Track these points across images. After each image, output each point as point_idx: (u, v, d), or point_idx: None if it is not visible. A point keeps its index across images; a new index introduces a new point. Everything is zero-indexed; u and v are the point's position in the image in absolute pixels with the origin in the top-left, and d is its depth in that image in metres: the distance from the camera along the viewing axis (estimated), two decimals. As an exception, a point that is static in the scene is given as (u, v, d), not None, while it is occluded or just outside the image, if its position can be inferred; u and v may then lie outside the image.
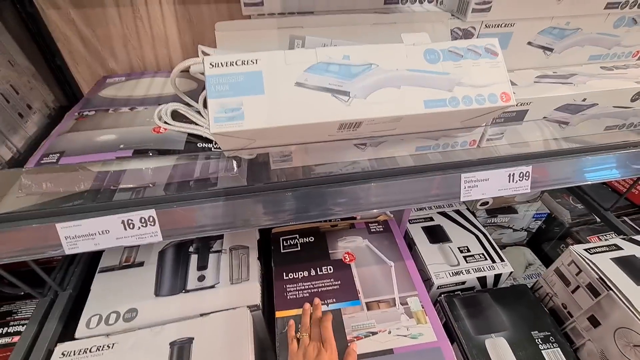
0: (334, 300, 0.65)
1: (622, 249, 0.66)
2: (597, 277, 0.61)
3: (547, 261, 0.97)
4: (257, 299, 0.62)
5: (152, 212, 0.50)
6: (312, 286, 0.67)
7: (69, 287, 0.64)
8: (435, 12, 0.60)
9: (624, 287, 0.58)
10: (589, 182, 0.62)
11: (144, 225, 0.50)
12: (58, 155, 0.50)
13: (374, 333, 0.59)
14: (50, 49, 0.68)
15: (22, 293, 0.66)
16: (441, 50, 0.44)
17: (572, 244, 0.94)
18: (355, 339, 0.58)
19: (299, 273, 0.68)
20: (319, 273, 0.69)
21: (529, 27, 0.61)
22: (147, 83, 0.69)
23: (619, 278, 0.60)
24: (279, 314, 0.62)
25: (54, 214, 0.49)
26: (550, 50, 0.65)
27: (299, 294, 0.65)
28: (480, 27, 0.59)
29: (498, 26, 0.59)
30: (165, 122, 0.55)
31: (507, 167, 0.59)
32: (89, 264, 0.70)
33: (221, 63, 0.40)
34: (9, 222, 0.48)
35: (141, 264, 0.68)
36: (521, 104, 0.58)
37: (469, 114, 0.45)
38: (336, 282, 0.67)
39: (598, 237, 0.91)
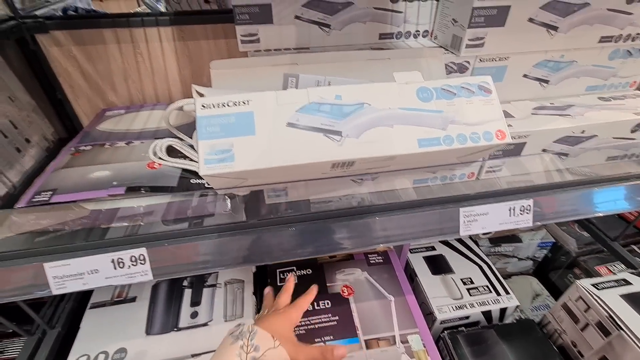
0: (332, 337, 0.62)
1: (632, 284, 0.63)
2: (607, 315, 0.58)
3: (555, 291, 0.93)
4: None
5: (142, 251, 0.49)
6: (308, 322, 0.64)
7: (57, 325, 0.62)
8: (429, 48, 0.60)
9: (636, 327, 0.55)
10: (593, 216, 0.61)
11: (134, 264, 0.49)
12: (50, 193, 0.50)
13: (373, 375, 0.56)
14: (51, 84, 0.69)
15: (9, 331, 0.64)
16: (434, 89, 0.44)
17: (579, 274, 0.91)
18: (352, 383, 0.55)
19: (295, 309, 0.66)
20: (316, 308, 0.66)
21: (523, 61, 0.61)
22: (145, 116, 0.69)
23: (630, 317, 0.57)
24: (273, 354, 0.59)
25: (42, 253, 0.48)
26: (546, 82, 0.65)
27: (295, 330, 0.62)
28: (475, 62, 0.59)
29: (492, 60, 0.60)
30: (160, 158, 0.55)
31: (507, 201, 0.57)
32: (80, 300, 0.68)
33: (213, 104, 0.40)
34: (-3, 262, 0.47)
35: (133, 299, 0.67)
36: (519, 137, 0.57)
37: (464, 151, 0.45)
38: (334, 318, 0.65)
39: (606, 267, 0.88)
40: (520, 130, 0.56)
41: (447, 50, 0.60)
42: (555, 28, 0.57)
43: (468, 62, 0.59)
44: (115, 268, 0.49)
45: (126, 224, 0.50)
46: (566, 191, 0.59)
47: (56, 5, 0.72)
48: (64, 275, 0.48)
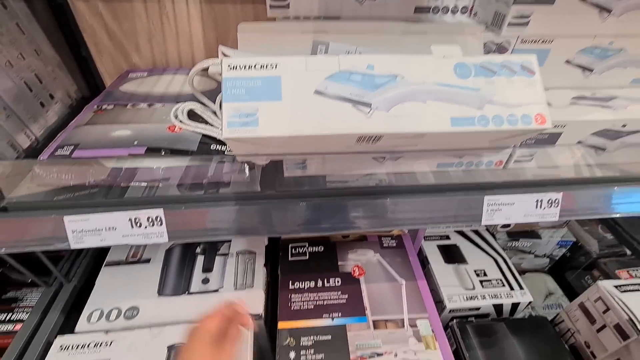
0: (340, 314, 0.62)
1: (657, 289, 0.60)
2: (627, 318, 0.56)
3: (569, 291, 0.91)
4: (259, 308, 0.60)
5: (159, 212, 0.49)
6: (317, 298, 0.64)
7: (74, 279, 0.64)
8: (468, 24, 0.57)
9: (657, 333, 0.53)
10: (626, 215, 0.57)
11: (151, 224, 0.49)
12: (72, 147, 0.50)
13: (379, 354, 0.56)
14: (76, 40, 0.69)
15: (29, 280, 0.66)
16: (473, 65, 0.41)
17: (598, 276, 0.88)
18: (359, 359, 0.55)
19: (305, 283, 0.66)
20: (326, 285, 0.66)
21: (568, 45, 0.57)
22: (167, 80, 0.68)
23: (652, 322, 0.55)
24: (281, 324, 0.60)
25: (63, 206, 0.48)
26: (590, 70, 0.60)
27: (303, 305, 0.63)
28: (516, 42, 0.55)
29: (535, 42, 0.56)
30: (181, 122, 0.54)
31: (535, 193, 0.55)
32: (96, 257, 0.70)
33: (239, 66, 0.39)
34: (19, 212, 0.48)
35: (147, 261, 0.68)
36: (554, 126, 0.54)
37: (499, 134, 0.42)
38: (343, 296, 0.65)
39: (628, 271, 0.84)
40: (556, 119, 0.53)
41: (486, 28, 0.56)
42: (608, 10, 0.53)
43: (508, 43, 0.55)
44: (132, 227, 0.49)
45: (145, 184, 0.50)
46: (599, 187, 0.56)
47: (83, -41, 0.70)
48: (82, 230, 0.49)
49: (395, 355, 0.56)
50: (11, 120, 0.56)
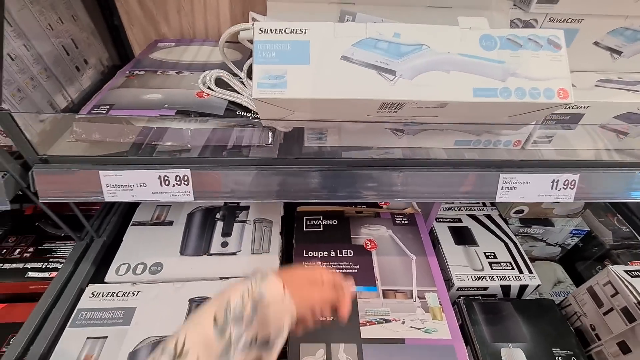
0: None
1: (669, 276, 0.61)
2: (636, 301, 0.57)
3: (579, 281, 0.91)
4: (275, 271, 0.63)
5: (187, 172, 0.52)
6: (330, 266, 0.67)
7: (103, 235, 0.69)
8: (496, 1, 0.56)
9: (665, 317, 0.54)
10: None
11: (179, 183, 0.52)
12: (108, 107, 0.53)
13: (387, 321, 0.59)
14: (109, 9, 0.71)
15: (63, 234, 0.71)
16: (499, 37, 0.42)
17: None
18: (367, 324, 0.58)
19: (319, 252, 0.69)
20: (338, 255, 0.69)
21: (597, 26, 0.56)
22: (195, 50, 0.70)
23: (661, 306, 0.55)
24: (294, 289, 0.63)
25: (99, 161, 0.52)
26: (619, 53, 0.59)
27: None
28: (544, 21, 0.55)
29: (563, 21, 0.55)
30: (209, 88, 0.56)
31: (552, 173, 0.55)
32: (123, 216, 0.74)
33: (270, 30, 0.40)
34: (59, 164, 0.51)
35: (170, 223, 0.71)
36: (577, 107, 0.54)
37: (520, 108, 0.43)
38: (355, 266, 0.67)
39: (641, 263, 0.84)
40: (579, 101, 0.53)
41: (515, 5, 0.55)
42: (643, -11, 0.52)
43: (536, 21, 0.55)
44: (161, 185, 0.52)
45: (174, 144, 0.53)
46: (618, 171, 0.56)
47: None
48: (116, 185, 0.52)
49: (403, 322, 0.59)
50: (51, 81, 0.59)
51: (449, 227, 0.86)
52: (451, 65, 0.41)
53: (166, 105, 0.53)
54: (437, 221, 0.87)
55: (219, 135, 0.54)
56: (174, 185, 0.53)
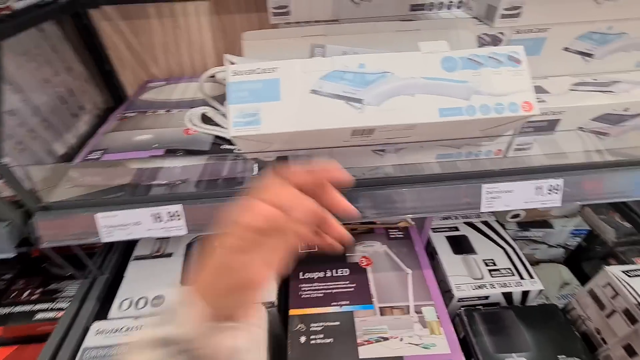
0: (348, 302, 0.65)
1: (669, 274, 0.60)
2: (636, 302, 0.56)
3: (586, 282, 0.90)
4: (272, 296, 0.64)
5: (178, 207, 0.54)
6: (326, 287, 0.68)
7: (106, 272, 0.71)
8: (460, 19, 0.59)
9: (666, 316, 0.53)
10: (629, 199, 0.57)
11: (171, 219, 0.55)
12: (102, 152, 0.56)
13: (385, 339, 0.59)
14: (101, 56, 0.76)
15: (68, 274, 0.73)
16: (460, 58, 0.44)
17: (615, 265, 0.86)
18: (365, 343, 0.58)
19: (315, 274, 0.70)
20: (334, 275, 0.69)
21: (565, 32, 0.58)
22: (183, 88, 0.74)
23: (661, 305, 0.54)
24: (292, 312, 0.64)
25: (95, 204, 0.54)
26: (590, 56, 0.61)
27: (312, 293, 0.66)
28: (510, 33, 0.57)
29: (530, 31, 0.57)
30: (195, 125, 0.59)
31: (535, 179, 0.56)
32: (124, 252, 0.76)
33: (242, 71, 0.43)
34: (58, 210, 0.54)
35: (170, 255, 0.74)
36: (552, 113, 0.55)
37: (488, 123, 0.44)
38: (351, 285, 0.68)
39: (646, 259, 0.83)
40: (554, 106, 0.54)
41: (480, 21, 0.58)
42: (603, -5, 0.53)
43: (503, 34, 0.57)
44: (154, 221, 0.55)
45: (165, 182, 0.56)
46: (601, 171, 0.56)
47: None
48: (112, 225, 0.55)
49: (401, 339, 0.59)
50: (49, 131, 0.63)
51: (446, 236, 0.86)
52: (415, 88, 0.43)
53: (155, 145, 0.56)
54: (433, 231, 0.88)
55: (208, 170, 0.56)
56: (166, 221, 0.55)
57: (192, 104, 0.67)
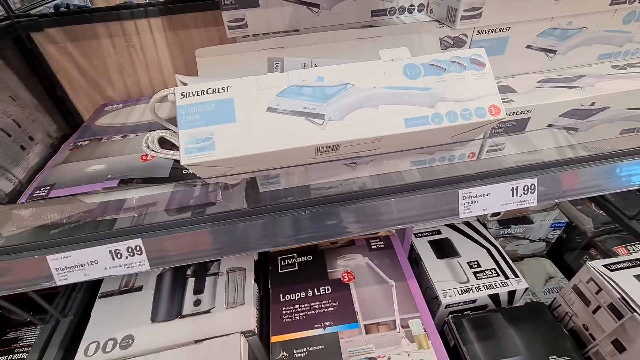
0: (332, 322, 0.62)
1: (648, 264, 0.60)
2: (619, 297, 0.56)
3: (569, 273, 0.90)
4: (252, 324, 0.61)
5: (138, 242, 0.50)
6: (309, 308, 0.64)
7: (70, 314, 0.65)
8: (421, 23, 0.57)
9: (650, 309, 0.52)
10: (604, 193, 0.57)
11: (131, 254, 0.50)
12: (49, 188, 0.51)
13: (372, 359, 0.56)
14: (51, 82, 0.71)
15: (27, 319, 0.67)
16: (422, 65, 0.42)
17: (596, 255, 0.87)
18: (352, 367, 0.55)
19: (296, 294, 0.66)
20: (316, 294, 0.66)
21: (526, 30, 0.57)
22: (141, 109, 0.70)
23: (644, 298, 0.54)
24: (274, 338, 0.60)
25: (45, 246, 0.49)
26: (553, 52, 0.60)
27: (295, 316, 0.63)
28: (473, 34, 0.56)
29: (492, 31, 0.56)
30: (152, 150, 0.55)
31: (510, 181, 0.55)
32: (90, 290, 0.71)
33: (192, 93, 0.40)
34: (4, 255, 0.49)
35: (140, 289, 0.69)
36: (521, 112, 0.54)
37: (456, 129, 0.43)
38: (334, 304, 0.65)
39: (625, 247, 0.83)
40: (522, 105, 0.53)
41: (442, 24, 0.56)
42: (560, -8, 0.53)
43: (465, 35, 0.56)
44: (113, 259, 0.50)
45: (122, 215, 0.51)
46: (574, 168, 0.56)
47: (50, 3, 0.72)
48: (66, 267, 0.50)
49: (389, 358, 0.56)
50: (-9, 167, 0.57)
51: (428, 241, 0.85)
52: (378, 99, 0.41)
53: (109, 176, 0.52)
54: (416, 237, 0.86)
55: (168, 198, 0.52)
56: (126, 257, 0.50)
57: (150, 126, 0.63)
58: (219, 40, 0.70)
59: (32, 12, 0.67)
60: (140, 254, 0.51)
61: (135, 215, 0.51)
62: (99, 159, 0.56)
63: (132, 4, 0.66)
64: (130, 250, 0.50)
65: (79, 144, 0.61)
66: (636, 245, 0.84)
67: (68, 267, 0.50)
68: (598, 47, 0.61)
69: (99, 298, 0.68)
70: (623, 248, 0.83)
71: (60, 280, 0.50)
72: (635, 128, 0.61)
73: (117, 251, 0.50)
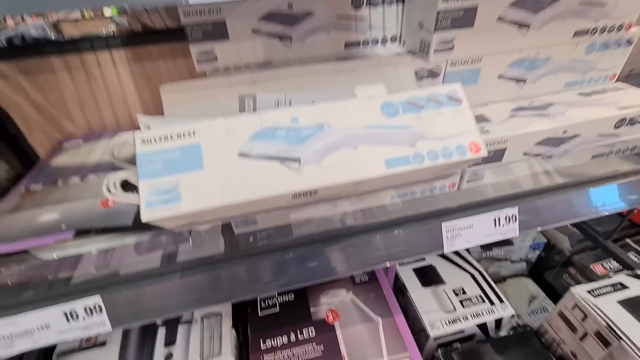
0: (318, 369, 0.58)
1: (628, 287, 0.60)
2: (605, 324, 0.55)
3: (551, 292, 0.90)
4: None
5: (97, 299, 0.45)
6: (292, 354, 0.60)
7: (20, 380, 0.58)
8: (396, 56, 0.57)
9: (637, 337, 0.52)
10: (582, 219, 0.57)
11: (90, 314, 0.45)
12: (-8, 243, 0.45)
13: (362, 410, 0.52)
14: (1, 120, 0.65)
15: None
16: (400, 102, 0.41)
17: (575, 273, 0.88)
18: (340, 421, 0.51)
19: (278, 340, 0.62)
20: (299, 338, 0.62)
21: (497, 61, 0.58)
22: (104, 145, 0.65)
23: (630, 325, 0.54)
24: (254, 394, 0.55)
25: (-15, 312, 0.43)
26: (523, 81, 0.62)
27: (277, 365, 0.59)
28: (446, 66, 0.56)
29: (464, 63, 0.56)
30: (113, 194, 0.50)
31: (491, 212, 0.54)
32: (45, 350, 0.63)
33: (154, 139, 0.36)
34: None
35: (103, 344, 0.62)
36: (498, 143, 0.54)
37: (437, 168, 0.41)
38: (318, 348, 0.61)
39: (602, 264, 0.85)
40: (498, 136, 0.53)
41: (416, 55, 0.56)
42: (526, 25, 0.54)
43: (439, 67, 0.56)
44: (68, 321, 0.45)
45: (79, 271, 0.46)
46: (552, 195, 0.56)
47: (1, 35, 0.67)
48: (11, 335, 0.44)
49: (380, 406, 0.52)
50: None
51: (413, 269, 0.83)
52: (357, 140, 0.39)
53: (63, 227, 0.47)
54: (400, 265, 0.84)
55: (131, 248, 0.48)
56: (84, 318, 0.45)
57: (113, 165, 0.58)
58: (188, 72, 0.67)
59: (-20, 45, 0.62)
60: (100, 313, 0.45)
61: (94, 269, 0.46)
62: (53, 205, 0.50)
63: (91, 36, 0.62)
64: (88, 309, 0.45)
65: (31, 188, 0.55)
66: (611, 261, 0.85)
67: (14, 334, 0.44)
68: (564, 76, 0.63)
69: (56, 357, 0.60)
70: (600, 265, 0.84)
71: (4, 351, 0.44)
72: (605, 153, 0.62)
73: (73, 312, 0.44)
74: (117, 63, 0.64)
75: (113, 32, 0.66)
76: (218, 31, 0.54)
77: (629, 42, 0.61)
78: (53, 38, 0.67)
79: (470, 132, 0.41)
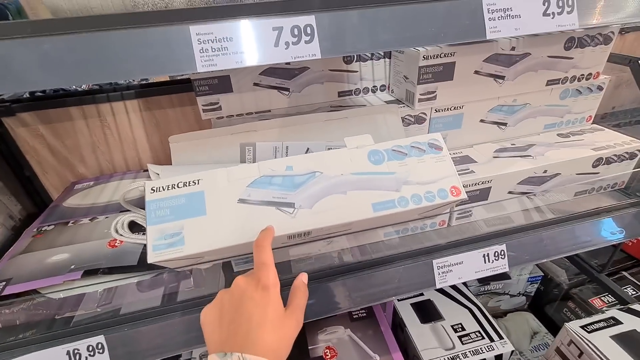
0: (316, 411, 0.57)
1: (621, 322, 0.61)
2: (601, 361, 0.56)
3: (552, 326, 0.90)
4: None
5: (100, 339, 0.46)
6: (290, 395, 0.60)
7: None
8: (384, 105, 0.62)
9: (631, 374, 0.52)
10: (568, 254, 0.60)
11: (92, 354, 0.46)
12: (4, 283, 0.48)
13: None
14: (18, 162, 0.69)
15: None
16: (385, 151, 0.45)
17: (574, 308, 0.88)
18: None
19: (276, 380, 0.62)
20: (297, 378, 0.62)
21: (477, 108, 0.63)
22: (113, 187, 0.69)
23: (624, 362, 0.54)
24: None
25: (-8, 351, 0.45)
26: (504, 124, 0.66)
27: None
28: (431, 112, 0.61)
29: (448, 109, 0.61)
30: (121, 235, 0.54)
31: (481, 248, 0.56)
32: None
33: (162, 187, 0.40)
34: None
35: (102, 384, 0.62)
36: (482, 183, 0.58)
37: (421, 210, 0.44)
38: (317, 388, 0.61)
39: (600, 298, 0.85)
40: (483, 176, 0.57)
41: (402, 103, 0.61)
42: (502, 77, 0.60)
43: (424, 114, 0.61)
44: (71, 361, 0.46)
45: (83, 310, 0.48)
46: (538, 232, 0.58)
47: (26, 86, 0.74)
48: (14, 375, 0.45)
49: None
50: (-59, 261, 0.53)
51: (411, 304, 0.84)
52: (346, 186, 0.42)
53: (73, 267, 0.49)
54: (398, 300, 0.85)
55: (136, 287, 0.50)
56: (86, 358, 0.46)
57: (121, 206, 0.62)
58: (194, 118, 0.72)
59: (6, 96, 0.68)
60: (102, 353, 0.47)
61: (98, 310, 0.48)
62: (64, 246, 0.53)
63: (108, 87, 0.69)
64: (91, 349, 0.46)
65: (43, 229, 0.58)
66: (609, 295, 0.86)
67: (17, 374, 0.45)
68: (543, 119, 0.68)
69: (52, 400, 0.60)
70: (598, 300, 0.85)
71: (7, 392, 0.45)
72: (587, 190, 0.66)
73: (76, 351, 0.46)
74: (129, 111, 0.70)
75: (127, 84, 0.72)
76: (223, 85, 0.60)
77: (600, 87, 0.67)
78: (71, 89, 0.73)
79: (450, 177, 0.45)
